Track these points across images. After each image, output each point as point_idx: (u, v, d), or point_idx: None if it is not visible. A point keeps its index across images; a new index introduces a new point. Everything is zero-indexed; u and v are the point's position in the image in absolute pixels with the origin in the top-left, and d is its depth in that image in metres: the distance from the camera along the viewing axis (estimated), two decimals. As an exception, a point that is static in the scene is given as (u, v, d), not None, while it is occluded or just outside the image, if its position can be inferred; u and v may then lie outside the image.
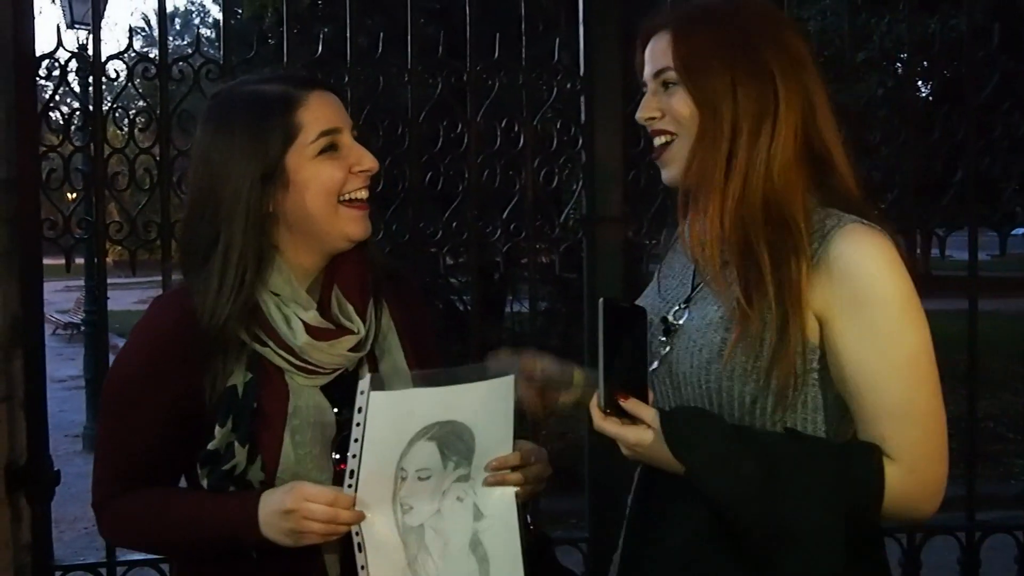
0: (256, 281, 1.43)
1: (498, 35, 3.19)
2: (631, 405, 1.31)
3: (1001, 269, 10.94)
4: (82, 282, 10.45)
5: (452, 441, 1.40)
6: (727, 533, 1.32)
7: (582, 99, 3.17)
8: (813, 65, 1.43)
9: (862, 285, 1.31)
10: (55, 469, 2.96)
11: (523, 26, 3.16)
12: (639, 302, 1.51)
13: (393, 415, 1.35)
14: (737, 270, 1.36)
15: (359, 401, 1.33)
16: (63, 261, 3.12)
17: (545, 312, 6.81)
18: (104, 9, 7.27)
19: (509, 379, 1.43)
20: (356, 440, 1.33)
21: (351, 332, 1.48)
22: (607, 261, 3.14)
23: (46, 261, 3.04)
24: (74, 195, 3.18)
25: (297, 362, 1.44)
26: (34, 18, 2.93)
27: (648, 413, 1.32)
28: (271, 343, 1.44)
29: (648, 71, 1.46)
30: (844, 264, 1.32)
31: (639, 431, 1.32)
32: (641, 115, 1.47)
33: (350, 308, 1.50)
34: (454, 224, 3.16)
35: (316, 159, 1.44)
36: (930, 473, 1.32)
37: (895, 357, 1.31)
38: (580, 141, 3.17)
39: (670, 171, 1.46)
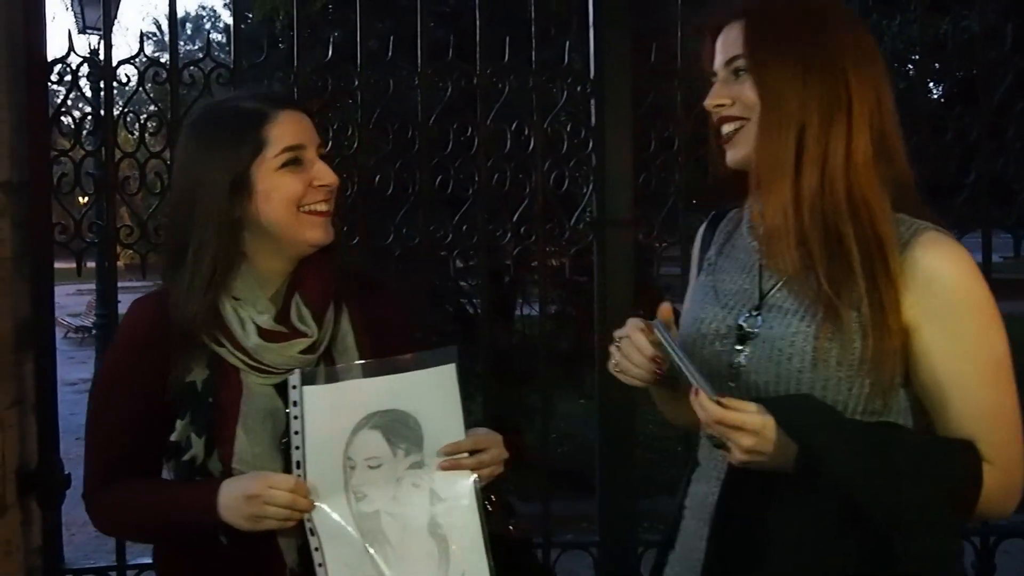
0: (221, 284, 1.54)
1: (508, 38, 3.19)
2: (729, 401, 1.29)
3: (1015, 271, 10.90)
4: (94, 286, 10.50)
5: (397, 428, 1.49)
6: (848, 518, 1.29)
7: (592, 102, 3.17)
8: (882, 62, 1.43)
9: (951, 293, 1.33)
10: (65, 472, 2.97)
11: (533, 29, 3.16)
12: (694, 309, 1.52)
13: (329, 407, 1.46)
14: (822, 267, 1.35)
15: (292, 395, 1.46)
16: (75, 265, 3.13)
17: (555, 315, 6.79)
18: (116, 14, 7.31)
19: (451, 367, 1.51)
20: (296, 432, 1.45)
21: (304, 335, 1.56)
22: (618, 264, 3.13)
23: (58, 265, 3.05)
24: (85, 199, 3.18)
25: (251, 362, 1.54)
26: (46, 23, 2.95)
27: (750, 406, 1.29)
28: (227, 343, 1.55)
29: (719, 60, 1.46)
30: (931, 273, 1.33)
31: (762, 417, 1.27)
32: (710, 102, 1.47)
33: (307, 312, 1.58)
34: (464, 227, 3.16)
35: (279, 171, 1.55)
36: (1018, 474, 1.35)
37: (985, 362, 1.34)
38: (590, 144, 3.16)
39: (735, 152, 1.45)
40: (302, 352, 1.55)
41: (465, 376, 1.53)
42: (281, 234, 1.56)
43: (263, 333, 1.55)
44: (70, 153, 3.01)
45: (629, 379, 1.47)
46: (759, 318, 1.43)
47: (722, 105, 1.45)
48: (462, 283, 6.36)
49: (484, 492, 1.52)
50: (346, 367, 1.52)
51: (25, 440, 2.89)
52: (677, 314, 1.70)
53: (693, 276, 1.65)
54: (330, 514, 1.46)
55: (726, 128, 1.46)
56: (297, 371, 1.48)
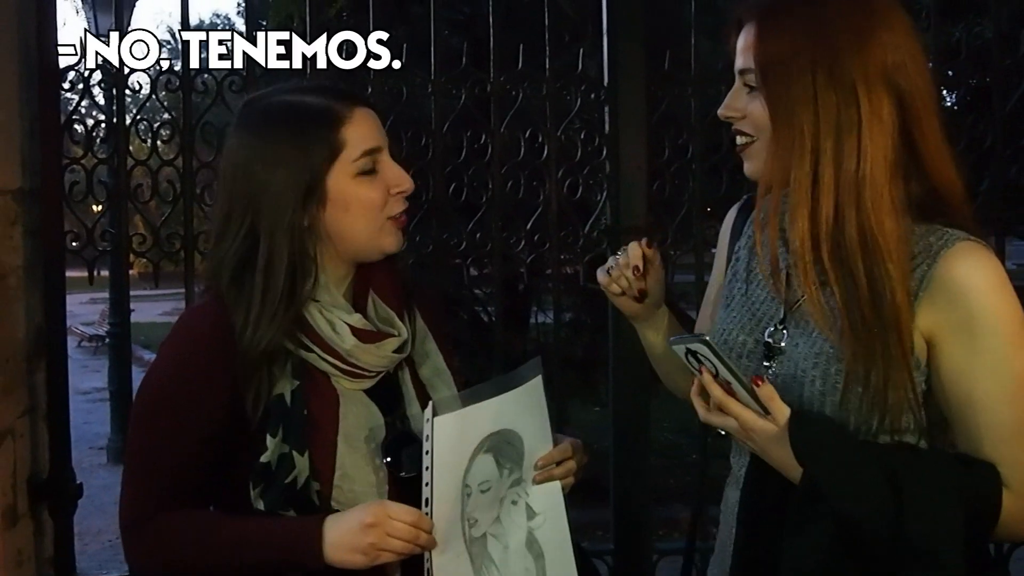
0: (301, 292, 1.42)
1: (521, 46, 3.18)
2: (766, 393, 1.27)
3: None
4: (107, 294, 10.53)
5: (504, 449, 1.44)
6: (848, 546, 1.27)
7: (606, 109, 3.16)
8: (917, 62, 1.34)
9: (975, 308, 1.28)
10: (78, 482, 2.95)
11: (547, 37, 3.15)
12: (724, 316, 1.50)
13: (455, 436, 1.38)
14: (840, 300, 1.31)
15: (425, 429, 1.35)
16: (87, 273, 3.12)
17: (570, 323, 6.78)
18: (129, 22, 7.33)
19: (538, 380, 1.47)
20: (427, 468, 1.35)
21: (391, 335, 1.48)
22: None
23: (71, 273, 3.04)
24: (98, 207, 3.18)
25: (344, 366, 1.43)
26: (57, 29, 2.94)
27: (780, 407, 1.27)
28: (316, 348, 1.43)
29: (736, 65, 1.41)
30: (957, 286, 1.29)
31: (763, 420, 1.28)
32: (722, 112, 1.43)
33: (390, 311, 1.50)
34: (478, 235, 3.15)
35: (356, 178, 1.44)
36: None
37: (1009, 380, 1.28)
38: (604, 151, 3.15)
39: (751, 165, 1.42)
40: (394, 351, 1.47)
41: (561, 391, 1.53)
42: (357, 243, 1.46)
43: (357, 333, 1.43)
44: (82, 161, 3.01)
45: (613, 290, 1.55)
46: (784, 332, 1.40)
47: (733, 117, 1.42)
48: (476, 291, 6.34)
49: (566, 500, 1.50)
50: (468, 392, 1.44)
51: (37, 450, 2.88)
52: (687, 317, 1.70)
53: (720, 267, 1.62)
54: (450, 550, 1.38)
55: (740, 139, 1.43)
56: (431, 402, 1.38)
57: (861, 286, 1.29)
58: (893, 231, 1.30)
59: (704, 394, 1.33)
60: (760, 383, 1.27)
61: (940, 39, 3.59)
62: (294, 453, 1.39)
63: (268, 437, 1.39)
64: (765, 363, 1.41)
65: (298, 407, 1.40)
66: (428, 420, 1.35)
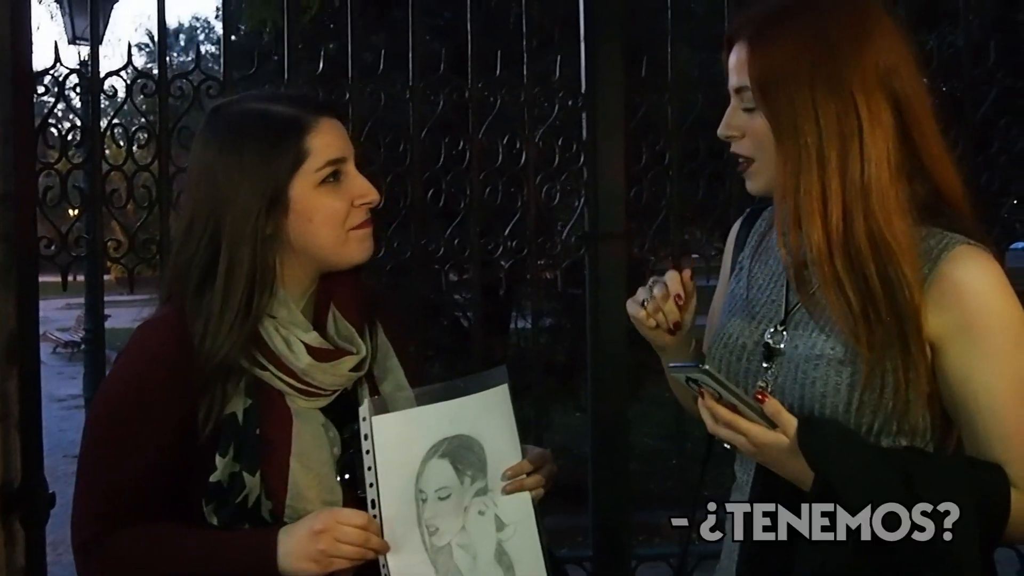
0: (259, 305, 1.40)
1: (500, 52, 3.18)
2: (772, 407, 1.27)
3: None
4: (83, 300, 10.45)
5: (463, 455, 1.42)
6: (865, 549, 1.26)
7: (584, 116, 3.16)
8: (911, 66, 1.36)
9: (979, 310, 1.29)
10: (50, 492, 2.92)
11: (525, 43, 3.15)
12: (723, 319, 1.50)
13: (400, 436, 1.36)
14: (857, 305, 1.31)
15: (363, 428, 1.34)
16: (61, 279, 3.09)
17: (550, 328, 6.79)
18: (105, 27, 7.28)
19: (503, 387, 1.45)
20: (369, 468, 1.34)
21: (350, 352, 1.46)
22: (610, 277, 3.12)
23: (46, 279, 3.01)
24: (73, 212, 3.15)
25: (299, 385, 1.41)
26: (31, 33, 2.91)
27: (788, 419, 1.27)
28: (271, 366, 1.41)
29: (731, 83, 1.41)
30: (959, 290, 1.30)
31: (772, 433, 1.27)
32: (722, 132, 1.43)
33: (350, 328, 1.48)
34: (456, 241, 3.14)
35: (319, 187, 1.42)
36: None
37: (1014, 381, 1.30)
38: (582, 158, 3.16)
39: (754, 184, 1.42)
40: (351, 370, 1.45)
41: (516, 395, 1.48)
42: (321, 254, 1.44)
43: (312, 352, 1.41)
44: (56, 166, 2.98)
45: (650, 324, 1.45)
46: (784, 334, 1.41)
47: (733, 137, 1.42)
48: (455, 296, 6.34)
49: (537, 511, 1.48)
50: (415, 393, 1.43)
51: (8, 458, 2.84)
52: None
53: (724, 278, 1.62)
54: (407, 555, 1.37)
55: (740, 159, 1.43)
56: (367, 400, 1.37)
57: (875, 289, 1.30)
58: (903, 232, 1.31)
59: None
60: (764, 398, 1.27)
61: (914, 48, 3.63)
62: (244, 473, 1.38)
63: (218, 456, 1.37)
64: (764, 364, 1.41)
65: (251, 427, 1.39)
66: (365, 418, 1.34)
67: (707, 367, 1.27)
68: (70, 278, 3.07)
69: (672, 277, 1.45)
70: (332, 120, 1.46)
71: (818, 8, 1.35)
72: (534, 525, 1.47)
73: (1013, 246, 3.68)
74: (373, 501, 1.35)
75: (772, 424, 1.27)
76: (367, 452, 1.34)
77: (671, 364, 1.32)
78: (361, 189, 1.46)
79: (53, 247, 2.97)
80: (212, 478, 1.37)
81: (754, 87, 1.35)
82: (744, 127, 1.39)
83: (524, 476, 1.45)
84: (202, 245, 1.41)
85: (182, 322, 1.41)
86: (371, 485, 1.35)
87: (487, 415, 1.44)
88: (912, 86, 1.35)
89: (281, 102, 1.45)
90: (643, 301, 1.45)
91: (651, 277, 1.47)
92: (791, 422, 1.27)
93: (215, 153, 1.42)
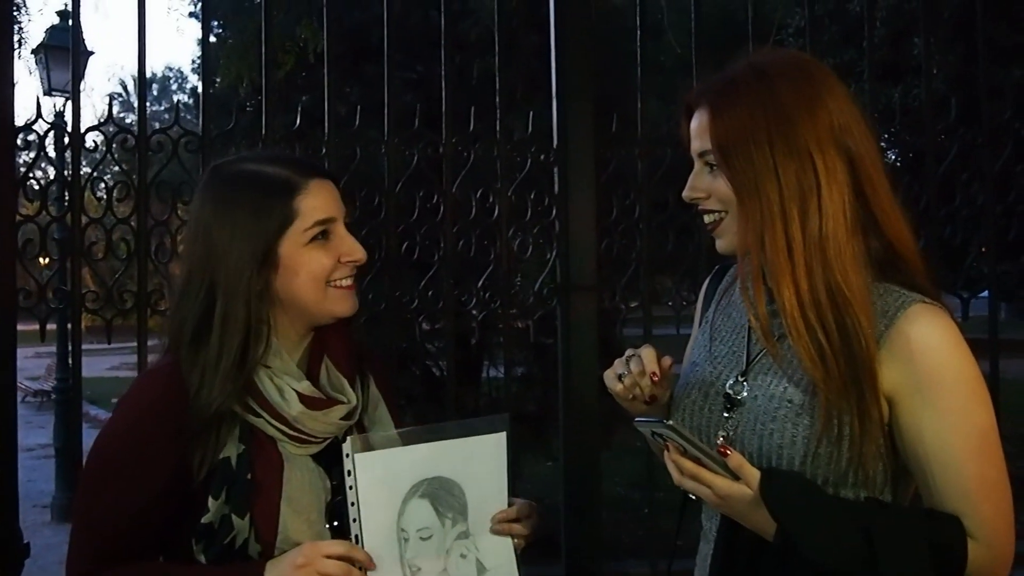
0: (254, 356, 1.46)
1: (473, 108, 3.26)
2: (735, 461, 1.31)
3: (965, 332, 11.03)
4: (53, 349, 10.34)
5: (443, 497, 1.46)
6: None
7: (555, 170, 3.24)
8: (861, 125, 1.41)
9: (935, 368, 1.33)
10: (24, 542, 2.91)
11: (498, 99, 3.23)
12: (688, 371, 1.54)
13: (381, 474, 1.42)
14: (815, 353, 1.35)
15: (346, 464, 1.41)
16: (34, 327, 3.10)
17: (521, 377, 6.80)
18: (83, 78, 7.33)
19: (501, 435, 1.50)
20: (353, 504, 1.40)
21: (341, 402, 1.51)
22: (582, 328, 3.18)
23: (19, 327, 3.02)
24: (46, 261, 3.17)
25: (291, 432, 1.47)
26: (13, 87, 2.96)
27: (751, 472, 1.31)
28: (264, 414, 1.46)
29: (693, 147, 1.47)
30: (916, 347, 1.34)
31: (736, 485, 1.31)
32: (687, 195, 1.48)
33: (342, 379, 1.54)
34: (430, 292, 3.19)
35: (308, 246, 1.48)
36: (1004, 547, 1.34)
37: (969, 436, 1.33)
38: (554, 211, 3.23)
39: (723, 243, 1.47)
40: (342, 419, 1.50)
41: (513, 445, 1.51)
42: (306, 308, 1.51)
43: (304, 400, 1.47)
44: (36, 219, 3.01)
45: (627, 397, 1.49)
46: (745, 384, 1.45)
47: (699, 198, 1.47)
48: (428, 346, 6.36)
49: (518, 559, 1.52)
50: (399, 433, 1.48)
51: (-17, 508, 2.83)
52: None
53: (695, 333, 1.67)
54: None
55: (707, 218, 1.48)
56: (350, 438, 1.43)
57: (833, 339, 1.34)
58: (859, 284, 1.36)
59: None
60: (728, 452, 1.31)
61: (878, 101, 3.75)
62: (234, 516, 1.43)
63: (210, 499, 1.43)
64: (725, 414, 1.45)
65: (243, 471, 1.44)
66: (348, 455, 1.41)
67: (671, 422, 1.32)
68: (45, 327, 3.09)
69: (648, 355, 1.48)
70: (324, 182, 1.52)
71: (770, 74, 1.41)
72: (515, 571, 1.51)
73: (981, 294, 3.76)
74: (356, 536, 1.40)
75: (736, 476, 1.32)
76: (350, 488, 1.40)
77: (637, 419, 1.37)
78: (348, 248, 1.53)
79: (30, 299, 2.99)
80: (204, 519, 1.43)
81: (716, 150, 1.41)
82: (709, 188, 1.45)
83: (517, 524, 1.50)
84: (199, 299, 1.47)
85: (179, 372, 1.47)
86: (354, 520, 1.41)
87: (473, 460, 1.48)
88: (864, 144, 1.40)
89: (275, 164, 1.52)
90: (620, 375, 1.50)
91: (627, 350, 1.52)
92: (754, 475, 1.31)
93: (211, 211, 1.49)
